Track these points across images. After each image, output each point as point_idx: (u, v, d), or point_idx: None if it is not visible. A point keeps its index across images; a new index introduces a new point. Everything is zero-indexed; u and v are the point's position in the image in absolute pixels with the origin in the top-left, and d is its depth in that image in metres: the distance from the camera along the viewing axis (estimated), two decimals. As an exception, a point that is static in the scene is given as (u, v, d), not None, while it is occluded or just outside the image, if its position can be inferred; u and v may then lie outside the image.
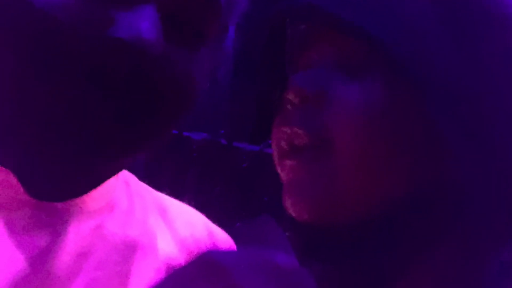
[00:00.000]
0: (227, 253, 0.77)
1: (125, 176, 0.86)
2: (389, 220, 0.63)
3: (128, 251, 0.80)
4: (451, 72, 0.64)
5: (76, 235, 0.76)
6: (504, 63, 0.66)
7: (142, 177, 0.91)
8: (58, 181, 0.73)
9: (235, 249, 0.84)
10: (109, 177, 0.78)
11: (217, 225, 0.92)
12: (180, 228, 0.88)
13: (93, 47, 0.65)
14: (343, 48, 0.65)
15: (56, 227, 0.75)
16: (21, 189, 0.72)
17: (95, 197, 0.79)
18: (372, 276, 0.65)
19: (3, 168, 0.73)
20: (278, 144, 0.66)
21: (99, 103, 0.67)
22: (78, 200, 0.77)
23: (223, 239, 0.90)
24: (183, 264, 0.83)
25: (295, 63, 0.68)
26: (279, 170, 0.68)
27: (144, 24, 0.66)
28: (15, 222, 0.73)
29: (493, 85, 0.65)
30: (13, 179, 0.72)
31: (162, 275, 0.81)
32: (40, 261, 0.72)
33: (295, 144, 0.64)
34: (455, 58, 0.64)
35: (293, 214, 0.65)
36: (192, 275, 0.78)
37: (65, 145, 0.69)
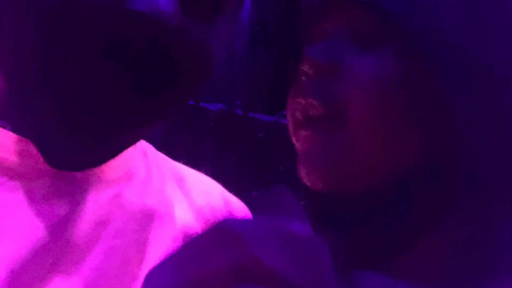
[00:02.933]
0: (242, 222, 0.78)
1: (143, 146, 0.87)
2: (402, 189, 0.64)
3: (146, 219, 0.81)
4: (463, 44, 0.64)
5: (95, 204, 0.77)
6: None
7: (159, 147, 0.92)
8: (77, 151, 0.74)
9: (251, 218, 0.85)
10: (127, 147, 0.79)
11: (233, 194, 0.93)
12: (196, 197, 0.89)
13: (111, 19, 0.66)
14: (357, 20, 0.65)
15: (75, 196, 0.76)
16: (41, 159, 0.73)
17: (114, 167, 0.80)
18: (385, 244, 0.66)
19: (23, 138, 0.73)
20: (293, 115, 0.67)
21: (117, 74, 0.68)
22: (96, 170, 0.78)
23: (239, 207, 0.91)
24: (199, 232, 0.84)
25: (310, 35, 0.69)
26: (294, 140, 0.69)
27: None
28: (34, 191, 0.74)
29: (504, 57, 0.65)
30: (32, 149, 0.73)
31: (179, 243, 0.82)
32: (59, 229, 0.74)
33: (309, 114, 0.65)
34: (468, 30, 0.64)
35: (308, 183, 0.65)
36: (208, 243, 0.79)
37: (84, 116, 0.70)
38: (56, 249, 0.73)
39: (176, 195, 0.86)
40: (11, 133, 0.74)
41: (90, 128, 0.71)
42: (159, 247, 0.80)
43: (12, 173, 0.73)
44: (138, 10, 0.66)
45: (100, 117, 0.69)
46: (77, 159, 0.75)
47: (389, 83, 0.63)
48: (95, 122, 0.70)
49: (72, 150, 0.74)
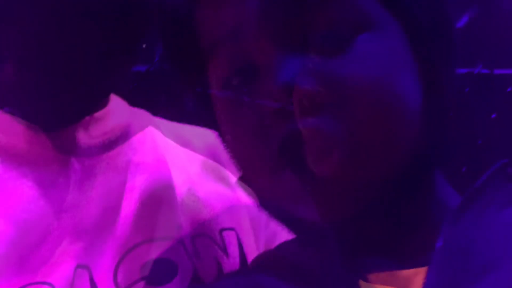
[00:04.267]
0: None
1: (152, 133, 0.88)
2: (409, 175, 0.64)
3: (154, 205, 0.81)
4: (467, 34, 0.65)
5: (103, 190, 0.78)
6: None
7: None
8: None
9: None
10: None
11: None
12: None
13: None
14: (363, 7, 0.65)
15: (83, 182, 0.77)
16: (50, 146, 0.75)
17: (122, 154, 0.81)
18: (392, 230, 0.66)
19: (32, 125, 0.76)
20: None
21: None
22: (105, 156, 0.79)
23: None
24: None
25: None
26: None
27: None
28: (44, 178, 0.75)
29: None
30: (41, 136, 0.75)
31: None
32: (68, 215, 0.75)
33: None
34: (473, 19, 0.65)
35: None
36: None
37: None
38: (65, 234, 0.74)
39: (184, 180, 0.87)
40: (20, 120, 0.75)
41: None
42: (167, 233, 0.80)
43: (21, 160, 0.75)
44: None
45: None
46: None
47: (394, 68, 0.63)
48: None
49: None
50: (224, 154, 0.72)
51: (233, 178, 0.88)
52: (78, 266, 0.73)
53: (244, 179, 0.68)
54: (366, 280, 0.64)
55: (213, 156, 0.90)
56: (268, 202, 0.66)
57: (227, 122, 0.65)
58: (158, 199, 0.82)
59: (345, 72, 0.60)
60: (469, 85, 2.65)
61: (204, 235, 0.83)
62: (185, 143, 0.90)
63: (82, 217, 0.75)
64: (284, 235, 0.74)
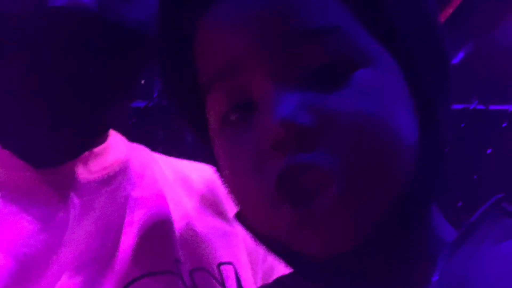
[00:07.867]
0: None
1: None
2: (405, 209, 0.64)
3: (153, 240, 0.82)
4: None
5: (102, 225, 0.79)
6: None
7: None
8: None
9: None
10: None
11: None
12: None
13: (38, 21, 0.70)
14: (359, 43, 0.66)
15: (83, 217, 0.78)
16: (49, 181, 0.76)
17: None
18: (389, 263, 0.66)
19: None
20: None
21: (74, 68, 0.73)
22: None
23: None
24: None
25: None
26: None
27: None
28: (43, 212, 0.76)
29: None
30: (41, 171, 0.77)
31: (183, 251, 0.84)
32: (67, 250, 0.75)
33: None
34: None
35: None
36: None
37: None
38: (65, 268, 0.74)
39: (183, 214, 0.88)
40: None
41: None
42: (165, 267, 0.81)
43: (21, 195, 0.76)
44: (60, 6, 0.69)
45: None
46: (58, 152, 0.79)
47: (391, 103, 0.63)
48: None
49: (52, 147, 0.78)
50: (222, 189, 0.72)
51: (231, 212, 0.88)
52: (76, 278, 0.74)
53: (242, 214, 0.68)
54: None
55: (211, 191, 0.91)
56: (266, 236, 0.66)
57: (225, 157, 0.66)
58: (157, 233, 0.82)
59: (341, 107, 0.61)
60: (465, 121, 2.68)
61: (202, 269, 0.83)
62: (183, 178, 0.91)
63: (81, 252, 0.76)
64: (281, 269, 0.75)
